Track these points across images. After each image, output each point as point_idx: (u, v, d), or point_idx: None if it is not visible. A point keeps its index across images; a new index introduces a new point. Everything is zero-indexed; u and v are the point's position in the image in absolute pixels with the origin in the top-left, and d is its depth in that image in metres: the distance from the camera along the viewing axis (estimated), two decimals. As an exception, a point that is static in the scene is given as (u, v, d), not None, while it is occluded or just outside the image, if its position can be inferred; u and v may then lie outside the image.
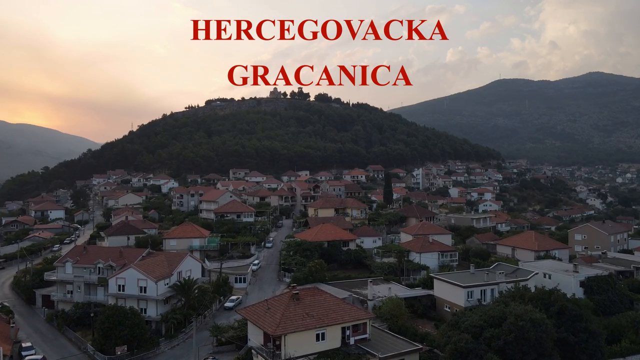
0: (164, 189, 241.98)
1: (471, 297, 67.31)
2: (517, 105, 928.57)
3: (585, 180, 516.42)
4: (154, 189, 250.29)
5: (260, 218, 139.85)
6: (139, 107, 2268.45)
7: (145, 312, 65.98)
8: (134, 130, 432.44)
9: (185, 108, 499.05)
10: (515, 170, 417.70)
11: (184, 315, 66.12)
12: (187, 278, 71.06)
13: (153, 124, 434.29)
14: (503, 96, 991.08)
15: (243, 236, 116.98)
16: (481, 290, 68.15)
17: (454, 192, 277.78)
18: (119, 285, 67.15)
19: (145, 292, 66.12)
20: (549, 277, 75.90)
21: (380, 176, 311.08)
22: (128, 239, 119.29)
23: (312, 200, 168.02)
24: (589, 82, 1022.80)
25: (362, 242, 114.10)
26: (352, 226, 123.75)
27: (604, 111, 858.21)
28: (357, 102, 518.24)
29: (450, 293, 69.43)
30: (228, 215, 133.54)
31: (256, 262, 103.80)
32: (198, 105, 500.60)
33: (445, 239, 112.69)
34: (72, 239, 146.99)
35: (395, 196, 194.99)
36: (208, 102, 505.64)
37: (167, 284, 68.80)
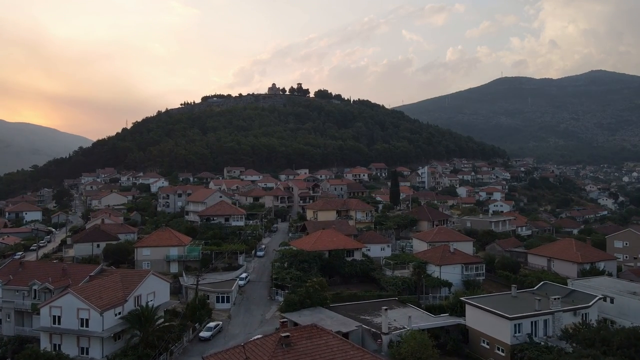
0: (153, 188, 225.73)
1: (519, 332, 51.04)
2: (519, 104, 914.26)
3: (591, 179, 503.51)
4: (142, 188, 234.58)
5: (251, 222, 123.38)
6: (138, 106, 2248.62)
7: (86, 353, 49.70)
8: (128, 127, 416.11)
9: (181, 104, 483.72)
10: (522, 169, 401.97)
11: (139, 356, 49.72)
12: (146, 305, 54.71)
13: (147, 121, 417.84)
14: (505, 94, 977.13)
15: (230, 243, 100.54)
16: (532, 322, 51.88)
17: (462, 191, 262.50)
18: (54, 317, 50.89)
19: (87, 325, 49.82)
20: (611, 302, 59.63)
21: (383, 174, 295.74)
22: (98, 246, 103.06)
23: (311, 201, 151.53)
24: (591, 80, 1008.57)
25: (369, 250, 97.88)
26: (356, 231, 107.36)
27: (607, 109, 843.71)
28: (358, 99, 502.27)
29: (490, 324, 53.16)
30: (215, 218, 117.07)
31: (244, 275, 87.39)
32: (194, 102, 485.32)
33: (466, 247, 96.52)
34: (41, 244, 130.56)
35: (401, 196, 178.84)
36: (204, 99, 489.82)
37: (119, 313, 52.44)
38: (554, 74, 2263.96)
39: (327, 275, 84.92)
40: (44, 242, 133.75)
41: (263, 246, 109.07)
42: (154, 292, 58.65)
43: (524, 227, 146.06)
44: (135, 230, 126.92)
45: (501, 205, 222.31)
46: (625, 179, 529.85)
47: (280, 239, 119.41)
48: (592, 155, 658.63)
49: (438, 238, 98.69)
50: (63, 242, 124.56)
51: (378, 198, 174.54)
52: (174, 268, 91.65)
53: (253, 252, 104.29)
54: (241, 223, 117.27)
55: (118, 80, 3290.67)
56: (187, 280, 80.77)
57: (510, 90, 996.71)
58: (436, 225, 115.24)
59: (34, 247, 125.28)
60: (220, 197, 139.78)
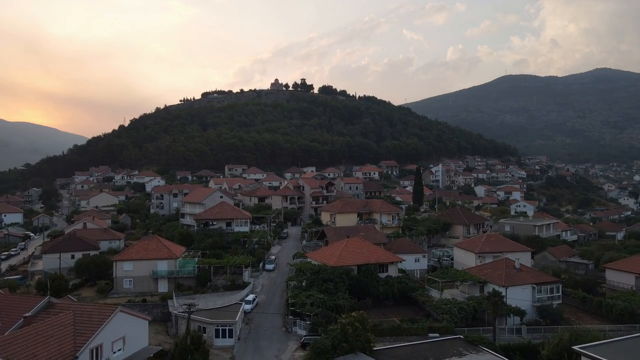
0: (148, 188, 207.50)
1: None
2: (524, 102, 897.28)
3: (602, 178, 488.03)
4: (137, 187, 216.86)
5: (257, 226, 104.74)
6: (139, 106, 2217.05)
7: None
8: (125, 125, 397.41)
9: (180, 101, 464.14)
10: (537, 167, 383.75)
11: None
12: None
13: (144, 117, 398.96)
14: (509, 92, 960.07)
15: (233, 255, 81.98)
16: None
17: (480, 190, 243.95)
18: (-40, 387, 32.92)
19: (9, 404, 31.75)
20: None
21: (394, 173, 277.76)
22: (72, 257, 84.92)
23: (324, 202, 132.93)
24: (597, 78, 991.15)
25: (401, 263, 79.38)
26: (386, 239, 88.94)
27: (613, 107, 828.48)
28: (364, 95, 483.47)
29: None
30: (214, 222, 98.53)
31: (250, 297, 68.96)
32: (194, 98, 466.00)
33: (524, 259, 78.07)
34: (13, 252, 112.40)
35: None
36: (204, 95, 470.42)
37: (65, 379, 34.15)
38: (555, 73, 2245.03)
39: (356, 297, 67.04)
40: (16, 250, 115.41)
41: (273, 257, 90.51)
42: (124, 337, 40.23)
43: (568, 232, 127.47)
44: (122, 237, 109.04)
45: (524, 206, 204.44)
46: (637, 177, 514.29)
47: (292, 247, 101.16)
48: (600, 154, 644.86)
49: (488, 248, 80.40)
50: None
51: (398, 198, 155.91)
52: (163, 287, 73.44)
53: (261, 264, 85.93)
54: (246, 229, 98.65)
55: (119, 80, 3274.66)
56: (177, 306, 62.32)
57: (514, 89, 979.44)
58: (483, 231, 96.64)
59: (3, 257, 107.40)
60: (221, 197, 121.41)
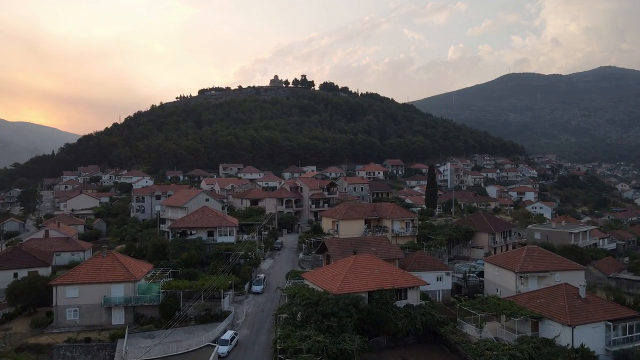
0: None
1: None
2: (528, 100, 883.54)
3: (610, 177, 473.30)
4: (123, 188, 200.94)
5: (246, 236, 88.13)
6: (140, 105, 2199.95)
7: None
8: (120, 122, 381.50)
9: (176, 98, 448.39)
10: (548, 166, 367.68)
11: None
12: None
13: (139, 115, 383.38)
14: (513, 91, 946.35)
15: (212, 274, 65.45)
16: None
17: (492, 191, 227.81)
18: None
19: None
20: None
21: (400, 172, 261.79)
22: (15, 276, 68.92)
23: (326, 205, 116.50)
24: (602, 76, 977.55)
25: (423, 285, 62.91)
26: (402, 254, 72.45)
27: (619, 106, 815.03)
28: (367, 92, 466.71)
29: None
30: (193, 232, 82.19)
31: (228, 335, 52.42)
32: (190, 95, 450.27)
33: (575, 280, 61.58)
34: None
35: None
36: (201, 92, 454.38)
37: None
38: (557, 72, 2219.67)
39: (366, 335, 50.88)
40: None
41: (262, 275, 73.51)
42: None
43: (606, 239, 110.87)
44: (89, 247, 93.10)
45: (540, 208, 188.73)
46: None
47: (286, 261, 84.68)
48: (606, 153, 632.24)
49: (531, 266, 64.00)
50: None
51: (408, 201, 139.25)
52: (118, 318, 57.23)
53: (247, 285, 69.44)
54: (231, 239, 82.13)
55: (119, 79, 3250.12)
56: (124, 352, 45.95)
57: (517, 87, 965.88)
58: (520, 243, 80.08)
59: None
60: (207, 200, 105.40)
